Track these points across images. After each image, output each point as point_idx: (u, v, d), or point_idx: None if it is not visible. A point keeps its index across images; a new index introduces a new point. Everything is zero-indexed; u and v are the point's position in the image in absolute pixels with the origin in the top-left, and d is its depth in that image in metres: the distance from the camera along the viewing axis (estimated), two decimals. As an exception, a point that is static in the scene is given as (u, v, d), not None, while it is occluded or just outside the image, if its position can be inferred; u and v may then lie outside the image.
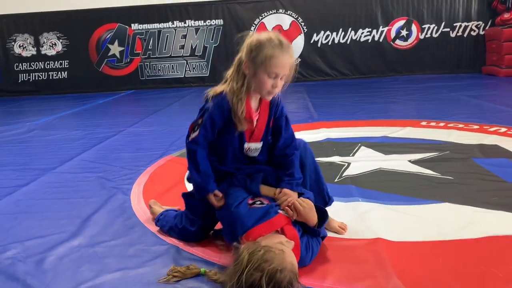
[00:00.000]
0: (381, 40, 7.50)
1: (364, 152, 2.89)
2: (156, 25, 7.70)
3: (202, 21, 7.66)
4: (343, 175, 2.44)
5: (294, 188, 1.62)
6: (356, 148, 2.98)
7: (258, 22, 7.58)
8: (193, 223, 1.69)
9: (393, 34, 7.47)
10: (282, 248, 1.30)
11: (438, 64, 7.43)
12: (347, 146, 3.02)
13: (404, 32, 7.43)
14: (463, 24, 7.33)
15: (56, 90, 7.84)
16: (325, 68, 7.65)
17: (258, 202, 1.58)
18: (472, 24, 7.31)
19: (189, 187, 2.38)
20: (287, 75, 1.57)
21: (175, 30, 7.70)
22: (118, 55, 7.82)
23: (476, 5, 7.27)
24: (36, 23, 7.78)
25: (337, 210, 1.86)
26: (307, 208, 1.52)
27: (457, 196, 2.04)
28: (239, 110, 1.55)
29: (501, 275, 1.39)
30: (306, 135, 3.29)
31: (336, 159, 2.75)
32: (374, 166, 2.57)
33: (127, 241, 1.78)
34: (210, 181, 1.63)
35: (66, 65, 7.92)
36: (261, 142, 1.67)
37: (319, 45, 7.60)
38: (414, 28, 7.41)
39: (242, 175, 1.66)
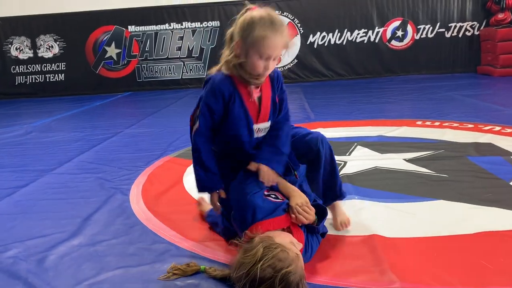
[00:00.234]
0: (376, 40, 7.55)
1: (360, 151, 2.92)
2: (153, 27, 7.72)
3: (199, 23, 7.69)
4: (340, 174, 2.46)
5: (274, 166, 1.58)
6: (352, 147, 3.02)
7: (254, 24, 7.61)
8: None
9: (388, 35, 7.52)
10: (297, 252, 1.32)
11: (434, 64, 7.48)
12: (344, 146, 3.05)
13: (399, 33, 7.49)
14: (458, 25, 7.39)
15: (53, 93, 7.85)
16: (322, 69, 7.69)
17: (273, 196, 1.57)
18: (467, 25, 7.37)
19: (191, 185, 2.41)
20: (280, 54, 1.50)
21: (172, 32, 7.72)
22: (115, 57, 7.84)
23: (471, 5, 7.33)
24: (33, 26, 7.80)
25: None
26: (311, 217, 1.51)
27: (452, 193, 2.08)
28: (244, 68, 1.49)
29: (492, 268, 1.42)
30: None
31: (332, 158, 2.78)
32: (370, 165, 2.60)
33: (127, 240, 1.80)
34: (215, 179, 1.60)
35: (63, 67, 7.93)
36: (269, 121, 1.62)
37: (315, 46, 7.64)
38: (409, 28, 7.47)
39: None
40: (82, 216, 2.07)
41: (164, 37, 7.75)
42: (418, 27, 7.45)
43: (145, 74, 7.89)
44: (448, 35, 7.42)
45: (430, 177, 2.35)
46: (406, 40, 7.51)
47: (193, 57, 7.79)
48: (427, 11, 7.41)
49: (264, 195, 1.55)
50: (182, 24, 7.70)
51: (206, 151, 1.61)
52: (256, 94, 1.58)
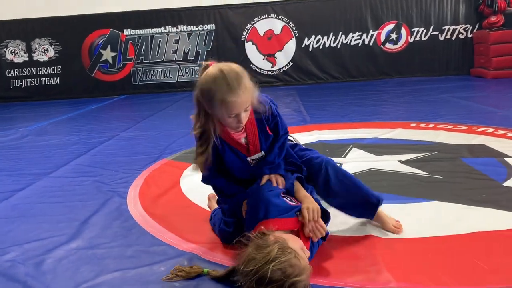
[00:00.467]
0: (371, 43, 7.60)
1: (355, 153, 2.95)
2: (149, 30, 7.73)
3: (194, 26, 7.70)
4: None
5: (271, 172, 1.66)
6: (348, 149, 3.04)
7: (250, 27, 7.65)
8: (229, 225, 1.71)
9: (383, 38, 7.57)
10: (307, 261, 1.34)
11: (428, 66, 7.54)
12: (339, 148, 3.07)
13: (393, 36, 7.54)
14: (452, 27, 7.45)
15: (49, 96, 7.83)
16: (317, 72, 7.73)
17: (288, 199, 1.61)
18: (460, 27, 7.43)
19: (188, 187, 2.42)
20: (249, 106, 1.51)
21: (168, 35, 7.74)
22: (110, 60, 7.84)
23: (464, 8, 7.39)
24: (28, 29, 7.77)
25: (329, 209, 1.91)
26: (323, 232, 1.55)
27: (446, 194, 2.10)
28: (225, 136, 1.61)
29: (486, 267, 1.45)
30: (298, 137, 3.33)
31: (328, 160, 2.80)
32: (365, 167, 2.63)
33: (125, 242, 1.81)
34: (238, 195, 1.68)
35: (59, 70, 7.91)
36: (262, 152, 1.69)
37: (310, 49, 7.68)
38: (403, 31, 7.52)
39: None
40: (80, 219, 2.08)
41: (160, 40, 7.75)
42: (412, 30, 7.50)
43: (140, 77, 7.89)
44: (441, 38, 7.48)
45: (425, 178, 2.38)
46: (400, 43, 7.57)
47: (189, 60, 7.80)
48: (421, 14, 7.47)
49: (281, 194, 1.60)
50: (177, 28, 7.71)
51: (220, 184, 1.72)
52: (241, 136, 1.65)
